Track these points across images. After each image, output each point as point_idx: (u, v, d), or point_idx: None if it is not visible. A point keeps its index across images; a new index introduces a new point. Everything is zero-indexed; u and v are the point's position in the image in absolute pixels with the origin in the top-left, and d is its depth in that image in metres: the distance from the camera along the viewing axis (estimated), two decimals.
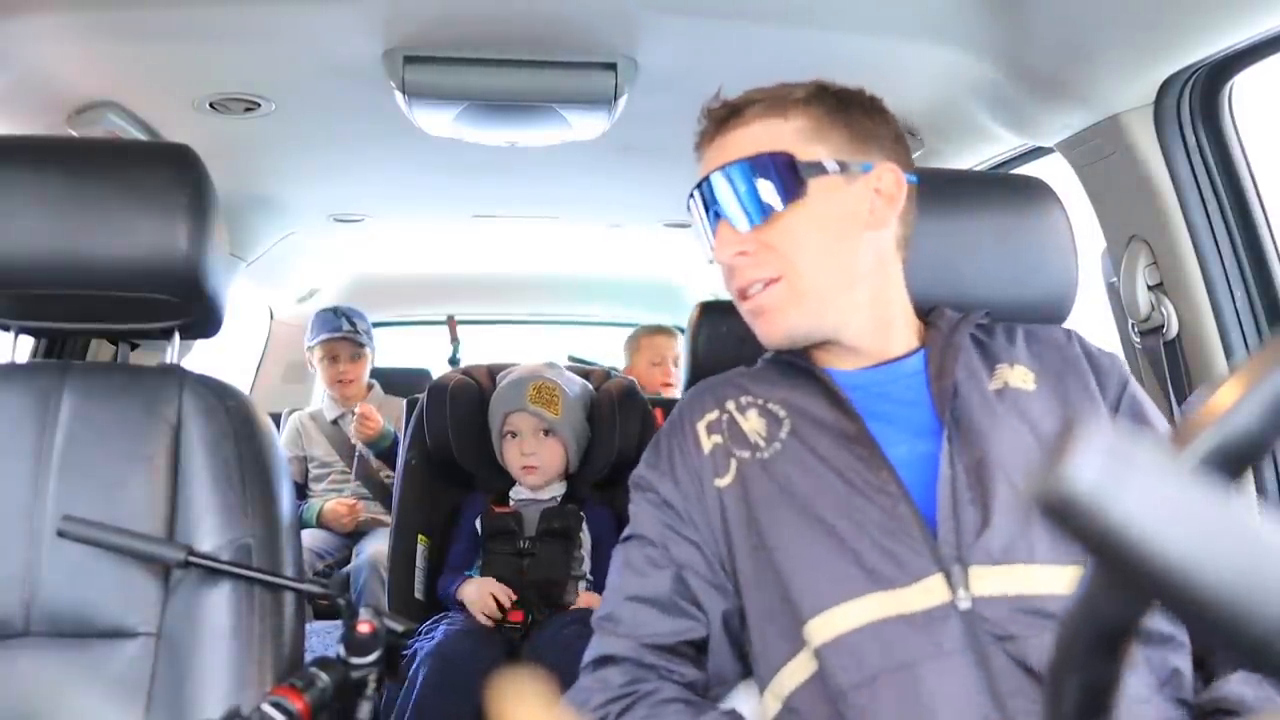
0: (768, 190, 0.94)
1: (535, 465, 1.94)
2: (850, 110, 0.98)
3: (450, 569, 1.93)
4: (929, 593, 0.84)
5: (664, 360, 3.21)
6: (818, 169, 0.94)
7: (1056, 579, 0.84)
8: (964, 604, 0.83)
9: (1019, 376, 0.98)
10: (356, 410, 2.76)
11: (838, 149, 0.96)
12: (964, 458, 0.90)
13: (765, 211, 0.94)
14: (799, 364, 1.01)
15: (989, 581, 0.84)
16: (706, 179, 0.97)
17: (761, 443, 0.97)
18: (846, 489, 0.90)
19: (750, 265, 0.96)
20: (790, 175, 0.93)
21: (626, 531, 1.03)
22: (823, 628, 0.85)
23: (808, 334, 0.98)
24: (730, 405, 1.02)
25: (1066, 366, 0.99)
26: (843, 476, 0.91)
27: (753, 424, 0.99)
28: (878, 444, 0.92)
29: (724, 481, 0.97)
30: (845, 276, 0.96)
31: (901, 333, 1.01)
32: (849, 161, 0.96)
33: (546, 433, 1.95)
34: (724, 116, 0.98)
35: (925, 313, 1.05)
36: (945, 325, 1.01)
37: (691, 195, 1.00)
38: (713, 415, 1.02)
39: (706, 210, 0.98)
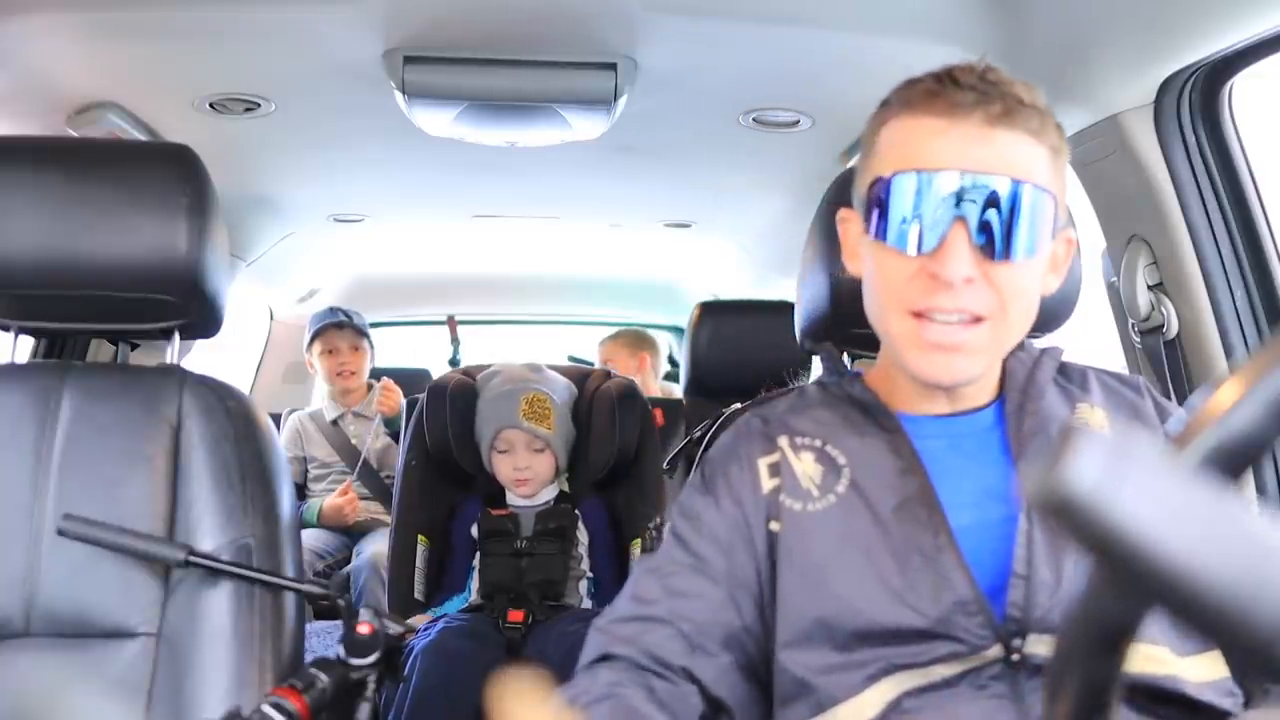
0: (1038, 229, 0.80)
1: (528, 478, 1.94)
2: (1060, 146, 0.84)
3: (448, 588, 1.94)
4: (976, 660, 0.80)
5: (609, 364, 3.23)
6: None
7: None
8: (1014, 658, 0.80)
9: (1098, 420, 0.91)
10: (379, 385, 2.80)
11: (1059, 195, 0.84)
12: None
13: (1027, 251, 0.80)
14: (869, 405, 0.92)
15: (1048, 648, 0.78)
16: (982, 174, 0.79)
17: (815, 491, 0.88)
18: (898, 557, 0.84)
19: (968, 294, 0.81)
20: (1054, 220, 0.82)
21: (660, 550, 0.94)
22: (854, 712, 0.81)
23: (971, 381, 0.88)
24: (784, 443, 0.92)
25: (1138, 418, 0.92)
26: (895, 539, 0.84)
27: (807, 468, 0.90)
28: (940, 505, 0.84)
29: (778, 527, 0.89)
30: (1022, 334, 0.88)
31: (990, 379, 0.92)
32: (1060, 214, 0.84)
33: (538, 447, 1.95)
34: (993, 98, 0.80)
35: None
36: (1027, 358, 0.93)
37: (922, 173, 0.80)
38: (774, 457, 0.92)
39: (940, 201, 0.79)
